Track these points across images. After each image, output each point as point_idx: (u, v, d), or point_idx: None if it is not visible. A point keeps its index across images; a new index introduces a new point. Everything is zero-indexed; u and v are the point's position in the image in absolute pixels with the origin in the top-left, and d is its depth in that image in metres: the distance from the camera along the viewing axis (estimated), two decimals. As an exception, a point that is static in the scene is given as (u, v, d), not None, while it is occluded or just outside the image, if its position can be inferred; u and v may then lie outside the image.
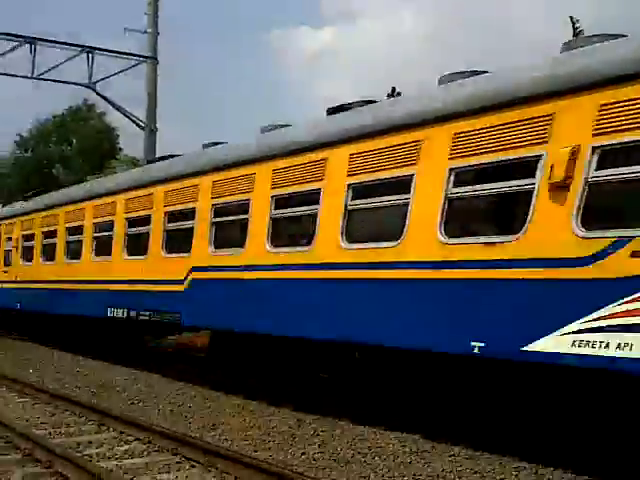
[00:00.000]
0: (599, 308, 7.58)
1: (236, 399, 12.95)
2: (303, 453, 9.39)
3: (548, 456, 8.99)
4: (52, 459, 8.57)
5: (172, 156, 17.35)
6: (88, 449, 9.59)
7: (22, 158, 57.51)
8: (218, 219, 14.04)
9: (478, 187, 9.29)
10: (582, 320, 7.69)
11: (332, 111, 12.46)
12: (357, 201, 10.95)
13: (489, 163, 9.08)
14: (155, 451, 9.52)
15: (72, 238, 20.62)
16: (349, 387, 12.66)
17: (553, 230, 8.20)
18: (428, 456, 9.24)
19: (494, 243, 8.86)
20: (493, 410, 10.16)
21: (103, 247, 18.62)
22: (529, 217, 8.43)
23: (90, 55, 28.19)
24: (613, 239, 7.60)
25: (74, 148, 57.02)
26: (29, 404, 12.95)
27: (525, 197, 8.59)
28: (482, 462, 9.00)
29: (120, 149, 55.78)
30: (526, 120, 8.67)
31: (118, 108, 29.62)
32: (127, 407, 12.69)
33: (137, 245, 16.89)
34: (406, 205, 10.01)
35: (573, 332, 7.76)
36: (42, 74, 28.08)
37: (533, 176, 8.46)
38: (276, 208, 12.50)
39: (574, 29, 10.38)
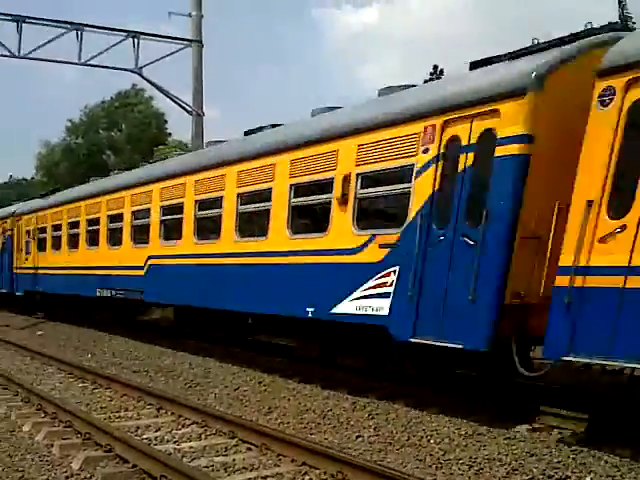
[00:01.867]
0: (365, 282, 11.51)
1: (291, 383, 13.05)
2: (358, 436, 9.45)
3: (605, 437, 8.96)
4: (112, 443, 8.70)
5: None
6: (147, 433, 9.77)
7: (72, 145, 58.15)
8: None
9: (304, 199, 13.62)
10: (358, 291, 11.61)
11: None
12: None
13: (309, 182, 13.35)
14: (212, 434, 9.66)
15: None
16: (402, 372, 12.70)
17: (341, 229, 12.27)
18: (484, 439, 9.24)
19: (315, 238, 12.99)
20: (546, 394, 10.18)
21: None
22: (330, 220, 12.57)
23: (136, 40, 28.31)
24: (370, 235, 11.67)
25: (123, 134, 57.48)
26: (88, 389, 13.19)
27: (328, 207, 12.66)
28: (538, 444, 8.99)
29: (169, 134, 56.03)
30: (323, 154, 12.89)
31: (165, 93, 29.75)
32: (184, 391, 12.87)
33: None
34: (268, 210, 14.20)
35: (355, 299, 11.69)
36: (89, 60, 28.28)
37: (330, 192, 12.54)
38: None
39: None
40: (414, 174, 10.91)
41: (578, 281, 8.46)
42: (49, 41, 27.40)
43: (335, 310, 12.11)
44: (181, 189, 17.67)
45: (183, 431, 9.86)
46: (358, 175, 12.06)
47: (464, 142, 10.24)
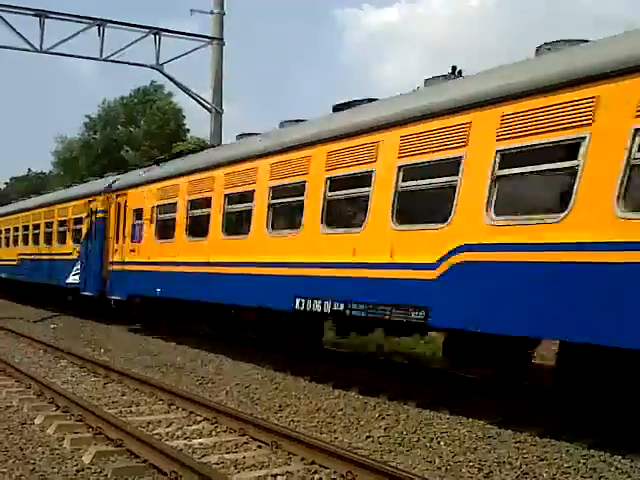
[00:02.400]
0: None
1: (302, 381, 13.07)
2: (368, 436, 9.45)
3: (617, 443, 8.92)
4: (123, 437, 8.73)
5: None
6: (158, 428, 9.80)
7: (91, 140, 58.44)
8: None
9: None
10: None
11: None
12: None
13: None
14: (223, 431, 9.69)
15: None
16: (413, 372, 12.70)
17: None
18: (494, 442, 9.22)
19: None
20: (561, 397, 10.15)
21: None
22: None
23: (157, 36, 28.40)
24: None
25: (141, 130, 57.71)
26: (100, 383, 13.25)
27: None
28: (549, 449, 8.95)
29: (187, 130, 56.20)
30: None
31: (185, 89, 29.82)
32: (196, 387, 12.92)
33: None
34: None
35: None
36: (110, 56, 28.39)
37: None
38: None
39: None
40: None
41: None
42: (71, 36, 27.58)
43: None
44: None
45: (194, 427, 9.89)
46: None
47: None
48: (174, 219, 18.86)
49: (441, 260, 10.56)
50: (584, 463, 8.36)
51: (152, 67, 28.84)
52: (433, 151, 10.98)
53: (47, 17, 26.65)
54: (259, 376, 13.75)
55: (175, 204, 18.85)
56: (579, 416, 9.91)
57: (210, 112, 29.04)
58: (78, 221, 26.19)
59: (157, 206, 20.05)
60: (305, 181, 13.70)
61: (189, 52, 29.33)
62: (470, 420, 10.22)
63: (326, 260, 12.88)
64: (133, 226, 21.49)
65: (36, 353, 17.09)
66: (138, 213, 21.21)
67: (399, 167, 11.54)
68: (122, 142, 57.78)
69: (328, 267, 12.85)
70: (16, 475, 7.65)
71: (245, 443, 9.05)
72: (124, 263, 21.85)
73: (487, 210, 9.89)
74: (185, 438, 9.32)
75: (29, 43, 26.92)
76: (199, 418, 10.38)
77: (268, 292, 14.43)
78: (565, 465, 8.29)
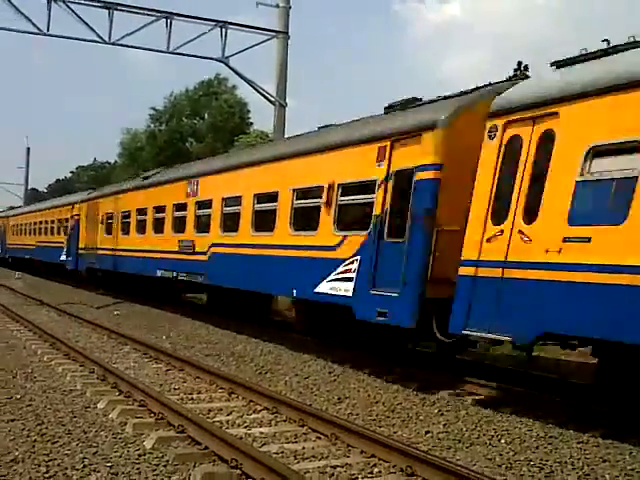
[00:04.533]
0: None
1: (361, 374, 13.05)
2: (427, 432, 9.40)
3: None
4: (184, 424, 8.84)
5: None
6: (218, 416, 9.91)
7: (156, 131, 59.14)
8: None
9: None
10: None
11: None
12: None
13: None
14: (282, 421, 9.75)
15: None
16: (472, 369, 12.60)
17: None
18: (555, 442, 9.09)
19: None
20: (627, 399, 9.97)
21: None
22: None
23: (223, 30, 28.57)
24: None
25: (205, 122, 58.19)
26: (162, 370, 13.43)
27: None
28: (612, 450, 8.80)
29: (251, 124, 56.49)
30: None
31: (250, 82, 29.96)
32: (255, 377, 13.01)
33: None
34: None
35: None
36: (177, 48, 28.67)
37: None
38: None
39: None
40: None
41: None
42: (139, 28, 27.95)
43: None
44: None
45: (254, 416, 9.98)
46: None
47: None
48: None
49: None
50: (647, 465, 8.20)
51: (218, 60, 29.05)
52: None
53: (116, 9, 27.05)
54: (318, 367, 13.77)
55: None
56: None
57: (274, 105, 29.12)
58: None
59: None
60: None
61: (254, 45, 29.46)
62: (531, 419, 10.08)
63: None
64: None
65: (100, 338, 17.40)
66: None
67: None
68: (187, 134, 58.37)
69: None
70: (79, 458, 7.80)
71: (304, 434, 9.10)
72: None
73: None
74: (245, 427, 9.41)
75: (98, 35, 27.36)
76: (259, 407, 10.46)
77: None
78: (628, 467, 8.16)
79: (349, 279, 13.64)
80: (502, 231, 10.42)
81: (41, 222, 44.68)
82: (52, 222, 41.29)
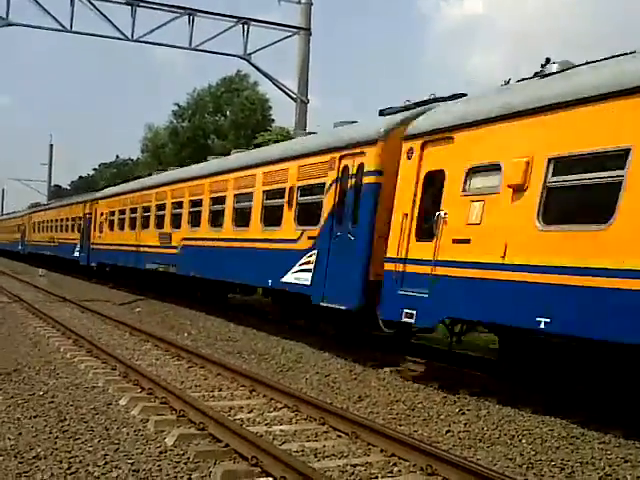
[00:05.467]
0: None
1: (382, 373, 13.04)
2: (448, 431, 9.39)
3: None
4: (205, 421, 8.88)
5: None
6: (239, 413, 9.95)
7: (178, 128, 59.34)
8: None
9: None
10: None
11: None
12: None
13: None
14: (303, 419, 9.77)
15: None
16: (493, 368, 12.57)
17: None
18: (577, 442, 9.06)
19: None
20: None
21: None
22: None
23: (245, 26, 28.61)
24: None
25: (228, 119, 58.31)
26: (184, 367, 13.49)
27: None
28: (633, 450, 8.76)
29: (272, 120, 56.53)
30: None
31: (271, 79, 30.00)
32: (276, 374, 13.04)
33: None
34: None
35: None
36: (199, 45, 28.73)
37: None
38: None
39: None
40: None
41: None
42: (161, 25, 28.05)
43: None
44: None
45: (274, 414, 10.00)
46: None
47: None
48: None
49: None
50: (671, 467, 8.14)
51: (240, 57, 29.11)
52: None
53: (138, 6, 27.17)
54: (338, 365, 13.77)
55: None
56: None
57: (295, 102, 29.14)
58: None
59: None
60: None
61: (276, 42, 29.48)
62: (552, 418, 10.04)
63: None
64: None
65: (122, 335, 17.49)
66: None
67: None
68: (209, 131, 58.51)
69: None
70: (101, 454, 7.86)
71: (325, 432, 9.11)
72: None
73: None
74: (266, 424, 9.44)
75: (121, 32, 27.50)
76: (279, 405, 10.49)
77: None
78: (651, 468, 8.10)
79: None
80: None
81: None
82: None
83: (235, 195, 20.59)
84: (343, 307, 14.33)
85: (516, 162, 10.75)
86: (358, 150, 14.77)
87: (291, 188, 17.27)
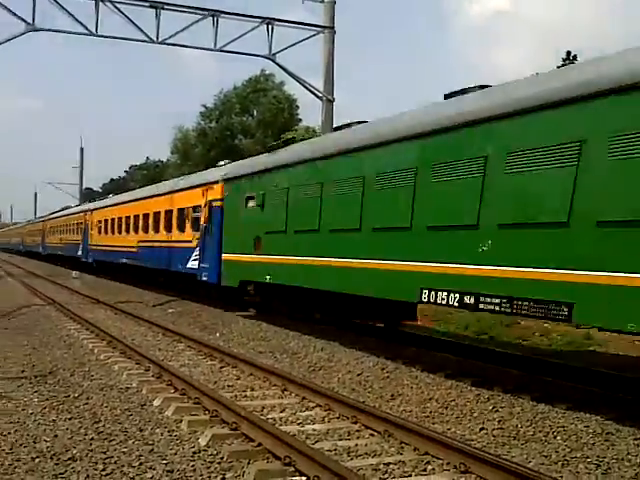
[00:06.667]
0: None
1: (415, 371, 12.95)
2: (482, 428, 9.33)
3: None
4: (238, 421, 8.93)
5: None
6: (272, 413, 9.99)
7: (206, 129, 59.63)
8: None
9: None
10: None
11: None
12: None
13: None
14: (335, 418, 9.77)
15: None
16: (527, 364, 12.48)
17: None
18: (612, 438, 8.94)
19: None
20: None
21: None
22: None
23: (270, 26, 28.61)
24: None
25: (255, 119, 58.49)
26: (216, 367, 13.56)
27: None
28: (671, 447, 8.63)
29: (299, 119, 56.61)
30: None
31: (297, 78, 29.98)
32: (308, 373, 13.06)
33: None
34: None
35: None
36: (224, 46, 28.77)
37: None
38: None
39: None
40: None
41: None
42: (186, 27, 28.12)
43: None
44: None
45: (307, 413, 10.02)
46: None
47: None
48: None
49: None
50: None
51: (265, 57, 29.11)
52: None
53: (163, 9, 27.26)
54: (371, 364, 13.71)
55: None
56: None
57: (321, 100, 29.10)
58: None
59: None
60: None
61: (300, 41, 29.44)
62: (587, 415, 9.93)
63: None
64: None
65: (155, 336, 17.63)
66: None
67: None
68: (236, 131, 58.73)
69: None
70: (135, 455, 7.93)
71: (357, 431, 9.11)
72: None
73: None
74: (298, 424, 9.47)
75: (145, 34, 27.62)
76: (312, 404, 10.50)
77: None
78: (689, 465, 7.99)
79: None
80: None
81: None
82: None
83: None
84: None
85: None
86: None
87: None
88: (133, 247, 33.55)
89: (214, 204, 23.01)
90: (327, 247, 15.70)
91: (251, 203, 19.96)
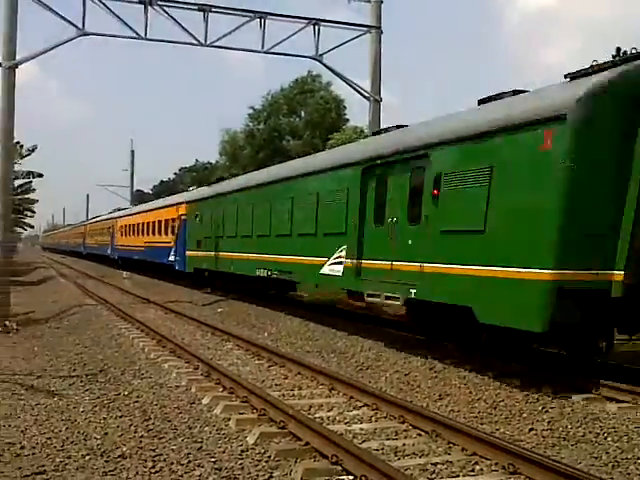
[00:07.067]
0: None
1: (463, 371, 12.86)
2: (531, 429, 9.25)
3: None
4: (286, 420, 8.96)
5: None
6: (319, 412, 10.01)
7: (254, 131, 59.86)
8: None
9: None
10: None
11: None
12: None
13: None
14: (383, 417, 9.76)
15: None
16: (580, 365, 12.32)
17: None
18: (664, 440, 8.80)
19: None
20: None
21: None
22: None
23: (316, 27, 28.60)
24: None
25: (302, 120, 58.57)
26: (264, 366, 13.64)
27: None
28: None
29: (347, 120, 56.55)
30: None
31: (344, 79, 29.94)
32: (355, 373, 13.06)
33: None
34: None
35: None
36: (271, 48, 28.85)
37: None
38: None
39: None
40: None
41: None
42: (234, 29, 28.26)
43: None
44: None
45: (354, 413, 10.02)
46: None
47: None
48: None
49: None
50: None
51: (312, 58, 29.11)
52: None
53: (210, 11, 27.43)
54: (418, 364, 13.65)
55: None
56: None
57: (368, 101, 29.04)
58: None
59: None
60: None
61: (347, 41, 29.37)
62: (638, 416, 9.78)
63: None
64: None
65: (204, 336, 17.79)
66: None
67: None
68: (284, 132, 58.87)
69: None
70: (184, 453, 8.01)
71: (405, 431, 9.09)
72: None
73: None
74: (345, 423, 9.48)
75: (194, 37, 27.82)
76: (359, 404, 10.50)
77: None
78: None
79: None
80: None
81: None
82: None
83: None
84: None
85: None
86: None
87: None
88: (142, 247, 44.99)
89: (182, 217, 34.32)
90: (237, 246, 25.30)
91: (197, 219, 31.28)
